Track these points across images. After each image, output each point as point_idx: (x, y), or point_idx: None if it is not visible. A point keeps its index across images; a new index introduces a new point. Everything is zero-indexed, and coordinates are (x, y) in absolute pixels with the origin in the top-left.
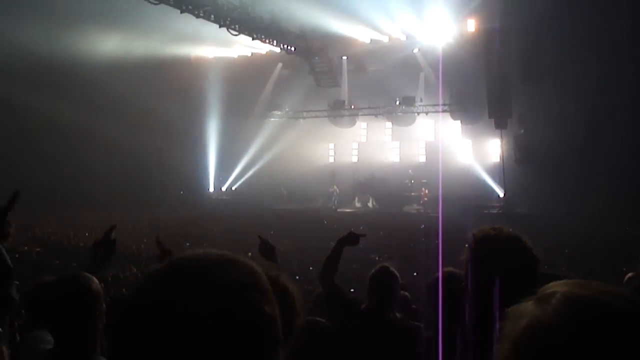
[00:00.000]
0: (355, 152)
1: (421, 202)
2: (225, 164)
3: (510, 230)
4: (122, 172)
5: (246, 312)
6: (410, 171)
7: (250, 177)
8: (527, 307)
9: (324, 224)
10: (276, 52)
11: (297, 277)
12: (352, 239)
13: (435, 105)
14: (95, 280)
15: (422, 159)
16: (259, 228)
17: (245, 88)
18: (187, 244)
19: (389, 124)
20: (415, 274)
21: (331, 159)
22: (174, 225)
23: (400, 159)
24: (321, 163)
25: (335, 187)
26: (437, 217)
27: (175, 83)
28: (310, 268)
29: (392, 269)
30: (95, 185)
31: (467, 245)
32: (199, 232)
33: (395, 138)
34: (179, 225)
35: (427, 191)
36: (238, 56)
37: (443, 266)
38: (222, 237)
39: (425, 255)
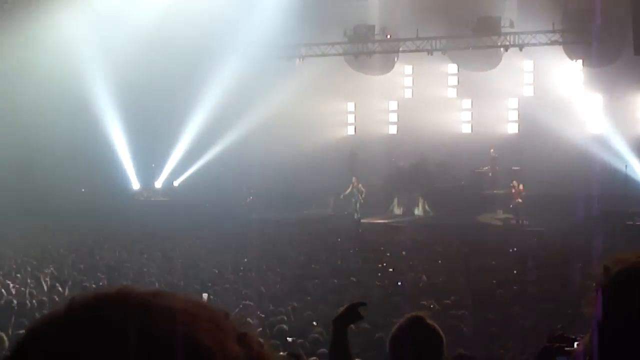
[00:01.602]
0: (392, 117)
1: (511, 205)
2: (157, 146)
3: None
4: None
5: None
6: (491, 151)
7: (208, 164)
8: None
9: (337, 244)
10: None
11: (291, 339)
12: (352, 314)
13: (535, 32)
14: None
15: (512, 128)
16: (225, 252)
17: (192, 12)
18: (94, 284)
19: (452, 67)
20: (494, 329)
21: (350, 130)
22: (67, 252)
23: (473, 128)
24: (333, 137)
25: (355, 180)
26: (540, 233)
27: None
28: (314, 323)
29: (429, 321)
30: None
31: (595, 285)
32: (114, 261)
33: (465, 92)
34: (80, 249)
35: (521, 187)
36: None
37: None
38: (158, 272)
39: (521, 303)
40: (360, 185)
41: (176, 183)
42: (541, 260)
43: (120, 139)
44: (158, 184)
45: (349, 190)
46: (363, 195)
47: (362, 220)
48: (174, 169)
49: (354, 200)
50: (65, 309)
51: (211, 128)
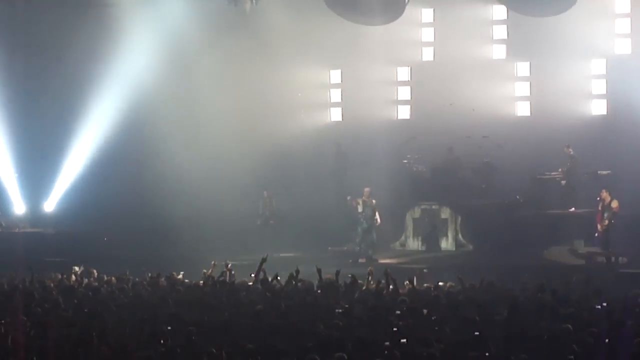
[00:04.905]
0: (403, 92)
1: (596, 234)
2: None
3: None
4: None
5: None
6: (569, 150)
7: (100, 173)
8: None
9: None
10: None
11: None
12: None
13: None
14: None
15: (599, 108)
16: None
17: None
18: None
19: (499, 11)
20: None
21: (335, 115)
22: None
23: (533, 109)
24: (307, 126)
25: (367, 193)
26: None
27: None
28: None
29: None
30: None
31: None
32: None
33: (520, 51)
34: None
35: (614, 204)
36: None
37: None
38: None
39: None
40: (374, 202)
41: (48, 206)
42: None
43: None
44: (49, 207)
45: (359, 208)
46: (378, 220)
47: (374, 257)
48: (45, 181)
49: (364, 226)
50: None
51: (112, 115)
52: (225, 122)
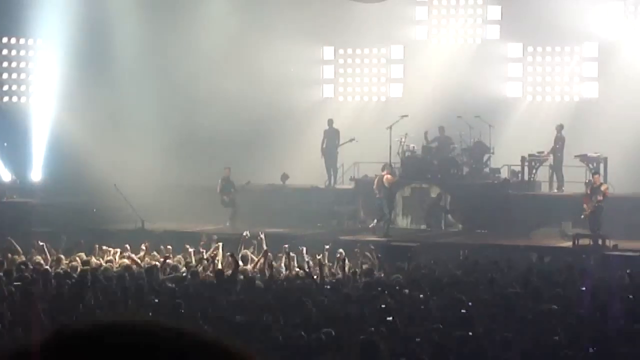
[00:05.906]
0: (396, 70)
1: (582, 215)
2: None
3: None
4: None
5: None
6: (557, 128)
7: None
8: None
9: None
10: None
11: None
12: None
13: None
14: None
15: (590, 91)
16: None
17: None
18: None
19: None
20: None
21: (327, 91)
22: None
23: (524, 90)
24: (298, 103)
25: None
26: (634, 262)
27: None
28: None
29: None
30: None
31: None
32: None
33: (513, 32)
34: None
35: (604, 187)
36: None
37: None
38: None
39: None
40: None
41: (35, 175)
42: (634, 308)
43: None
44: (36, 175)
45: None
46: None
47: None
48: (31, 150)
49: (388, 200)
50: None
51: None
52: (215, 96)
